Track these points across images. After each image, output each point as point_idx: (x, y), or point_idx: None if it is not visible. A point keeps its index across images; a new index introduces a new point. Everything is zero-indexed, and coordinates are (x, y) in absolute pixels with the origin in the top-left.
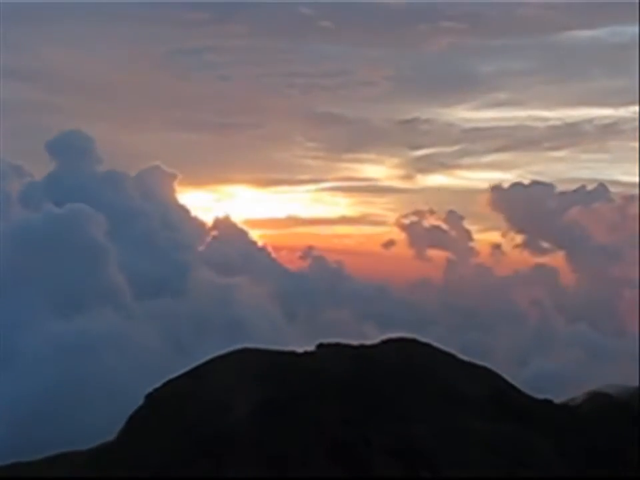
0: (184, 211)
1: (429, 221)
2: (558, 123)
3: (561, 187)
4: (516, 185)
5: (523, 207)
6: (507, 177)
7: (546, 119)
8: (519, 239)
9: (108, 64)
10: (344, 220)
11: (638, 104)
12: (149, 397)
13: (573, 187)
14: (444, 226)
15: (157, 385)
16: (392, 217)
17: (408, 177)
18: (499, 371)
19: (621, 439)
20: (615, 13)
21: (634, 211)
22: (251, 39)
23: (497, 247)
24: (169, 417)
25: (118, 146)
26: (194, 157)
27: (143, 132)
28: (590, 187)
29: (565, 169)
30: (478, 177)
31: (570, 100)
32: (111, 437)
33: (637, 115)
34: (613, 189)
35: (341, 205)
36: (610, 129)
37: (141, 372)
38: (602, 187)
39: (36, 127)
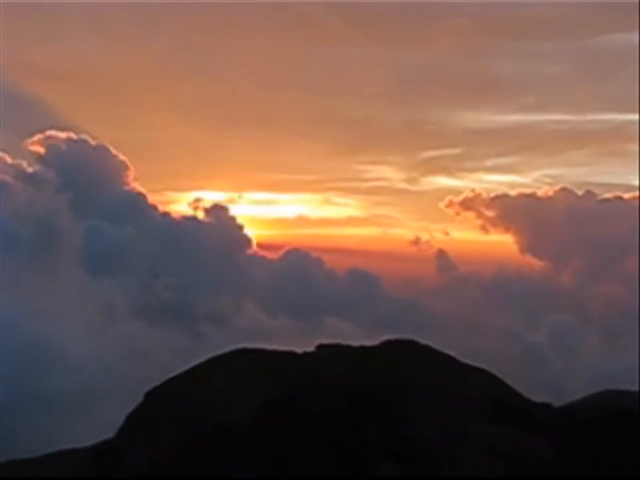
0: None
1: (434, 225)
2: (578, 126)
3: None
4: (518, 189)
5: (522, 213)
6: (517, 180)
7: (564, 123)
8: (515, 241)
9: (111, 63)
10: (351, 221)
11: (638, 111)
12: (148, 395)
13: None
14: (448, 228)
15: (157, 383)
16: (400, 218)
17: (415, 179)
18: (498, 374)
19: (621, 443)
20: None
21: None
22: (256, 39)
23: (496, 251)
24: (167, 415)
25: (122, 144)
26: (200, 157)
27: (148, 131)
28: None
29: (583, 172)
30: (486, 179)
31: (591, 104)
32: (110, 434)
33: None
34: (627, 194)
35: (348, 207)
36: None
37: None
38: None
39: (30, 122)
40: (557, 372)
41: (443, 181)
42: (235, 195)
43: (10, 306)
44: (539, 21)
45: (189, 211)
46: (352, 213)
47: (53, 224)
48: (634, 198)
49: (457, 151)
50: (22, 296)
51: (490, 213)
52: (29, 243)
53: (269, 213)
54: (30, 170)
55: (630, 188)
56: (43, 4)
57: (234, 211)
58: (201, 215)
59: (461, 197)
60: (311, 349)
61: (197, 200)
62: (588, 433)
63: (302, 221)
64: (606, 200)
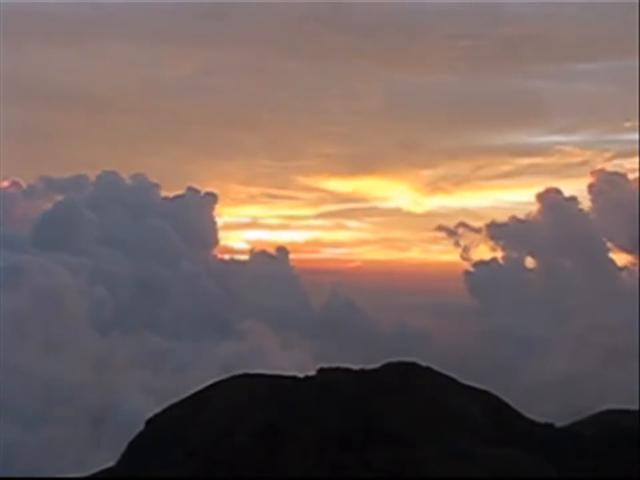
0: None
1: (448, 247)
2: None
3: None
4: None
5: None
6: (519, 199)
7: (584, 142)
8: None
9: (118, 83)
10: (357, 242)
11: None
12: (150, 422)
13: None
14: (457, 247)
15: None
16: (412, 240)
17: (426, 200)
18: (500, 394)
19: (623, 463)
20: None
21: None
22: (256, 57)
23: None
24: (169, 442)
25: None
26: (210, 180)
27: (150, 155)
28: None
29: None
30: (497, 199)
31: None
32: (111, 462)
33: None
34: None
35: (360, 230)
36: None
37: None
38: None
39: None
40: (558, 390)
41: (456, 202)
42: (247, 219)
43: None
44: (537, 37)
45: None
46: (363, 236)
47: None
48: None
49: (469, 171)
50: None
51: (502, 234)
52: None
53: (279, 237)
54: None
55: None
56: (38, 25)
57: (245, 235)
58: None
59: (473, 218)
60: (312, 372)
61: None
62: (590, 453)
63: (313, 244)
64: None
